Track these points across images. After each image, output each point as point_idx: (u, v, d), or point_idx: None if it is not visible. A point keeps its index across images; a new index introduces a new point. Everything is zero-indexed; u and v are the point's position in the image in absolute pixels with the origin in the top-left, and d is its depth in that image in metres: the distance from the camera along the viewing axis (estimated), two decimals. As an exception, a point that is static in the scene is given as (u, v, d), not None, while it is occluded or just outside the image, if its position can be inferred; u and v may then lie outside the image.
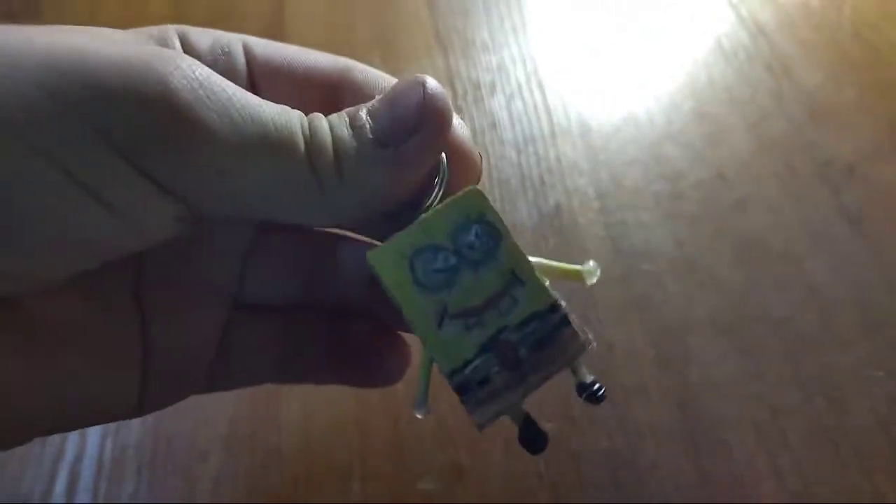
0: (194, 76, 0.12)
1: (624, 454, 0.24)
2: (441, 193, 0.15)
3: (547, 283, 0.15)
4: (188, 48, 0.15)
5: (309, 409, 0.27)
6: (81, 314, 0.14)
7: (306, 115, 0.14)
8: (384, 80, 0.16)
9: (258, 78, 0.16)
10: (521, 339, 0.15)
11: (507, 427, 0.16)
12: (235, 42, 0.16)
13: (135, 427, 0.27)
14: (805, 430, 0.24)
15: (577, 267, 0.16)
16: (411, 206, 0.15)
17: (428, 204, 0.15)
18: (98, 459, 0.26)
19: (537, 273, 0.15)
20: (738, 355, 0.26)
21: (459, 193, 0.15)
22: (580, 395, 0.16)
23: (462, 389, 0.15)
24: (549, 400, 0.26)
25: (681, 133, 0.33)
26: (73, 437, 0.26)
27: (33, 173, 0.11)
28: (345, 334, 0.18)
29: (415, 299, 0.15)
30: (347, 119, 0.14)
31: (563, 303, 0.15)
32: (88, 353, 0.14)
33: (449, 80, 0.37)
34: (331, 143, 0.13)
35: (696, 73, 0.35)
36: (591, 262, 0.17)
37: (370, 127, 0.14)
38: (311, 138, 0.13)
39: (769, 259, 0.28)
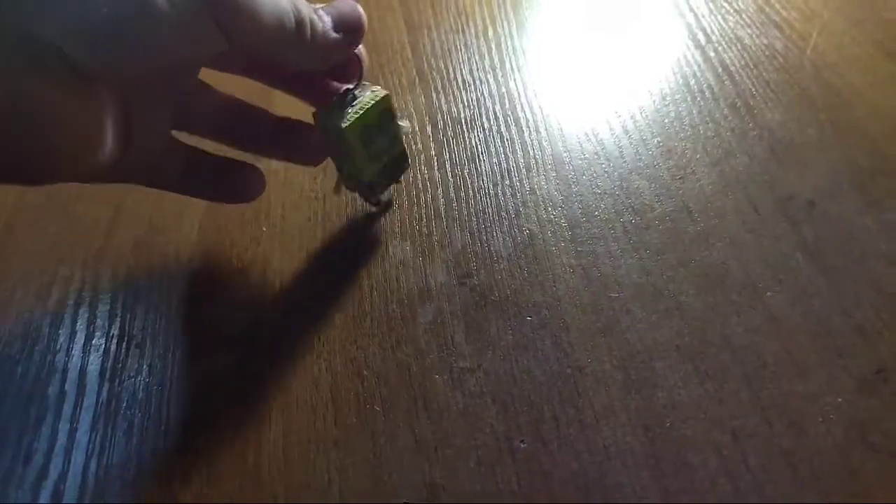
0: None
1: (591, 474, 0.25)
2: (360, 77, 0.29)
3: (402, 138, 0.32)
4: None
5: (289, 429, 0.27)
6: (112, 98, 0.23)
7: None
8: None
9: None
10: (392, 164, 0.32)
11: (479, 448, 0.26)
12: None
13: (119, 447, 0.27)
14: (765, 453, 0.25)
15: (403, 125, 0.31)
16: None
17: (356, 84, 0.28)
18: (82, 478, 0.27)
19: (401, 133, 0.31)
20: (701, 380, 0.27)
21: (381, 95, 0.29)
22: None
23: (370, 189, 0.32)
24: (522, 423, 0.27)
25: (649, 167, 0.35)
26: (57, 456, 0.27)
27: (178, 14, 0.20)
28: (227, 168, 0.30)
29: (361, 149, 0.29)
30: (312, 10, 0.25)
31: (406, 150, 0.32)
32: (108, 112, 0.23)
33: (430, 115, 0.38)
34: (308, 22, 0.24)
35: (665, 111, 0.37)
36: (406, 122, 0.32)
37: (327, 19, 0.25)
38: (299, 15, 0.23)
39: (731, 289, 0.30)
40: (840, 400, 0.27)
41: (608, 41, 0.42)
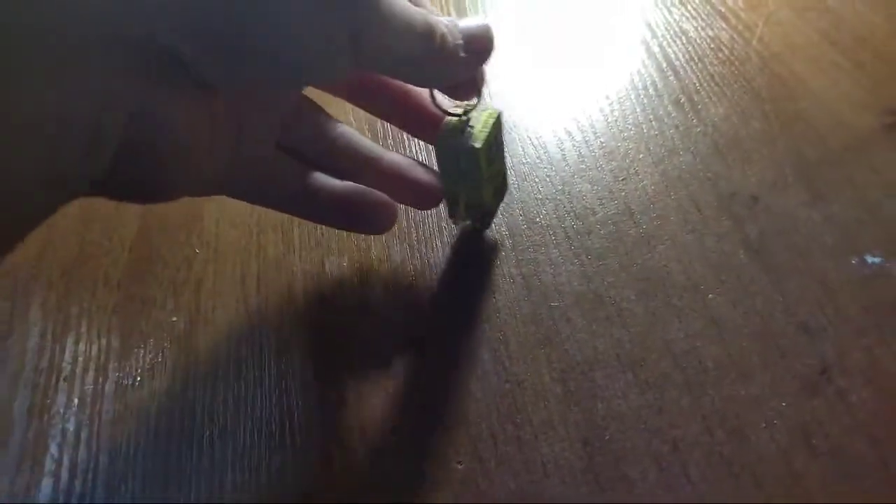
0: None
1: (529, 493, 0.25)
2: (479, 98, 0.27)
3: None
4: None
5: (223, 461, 0.27)
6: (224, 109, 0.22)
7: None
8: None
9: None
10: (501, 185, 0.31)
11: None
12: None
13: (46, 489, 0.26)
14: (706, 462, 0.25)
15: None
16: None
17: (475, 103, 0.27)
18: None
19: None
20: (642, 389, 0.27)
21: (497, 112, 0.27)
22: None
23: (487, 215, 0.31)
24: (459, 443, 0.26)
25: (591, 170, 0.34)
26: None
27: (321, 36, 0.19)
28: (350, 195, 0.28)
29: (486, 171, 0.28)
30: (444, 24, 0.23)
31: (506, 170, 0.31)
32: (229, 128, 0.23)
33: (370, 123, 0.38)
34: (440, 36, 0.22)
35: (608, 111, 0.37)
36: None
37: (458, 35, 0.24)
38: (429, 27, 0.22)
39: (673, 292, 0.29)
40: (784, 404, 0.26)
41: (549, 42, 0.42)
